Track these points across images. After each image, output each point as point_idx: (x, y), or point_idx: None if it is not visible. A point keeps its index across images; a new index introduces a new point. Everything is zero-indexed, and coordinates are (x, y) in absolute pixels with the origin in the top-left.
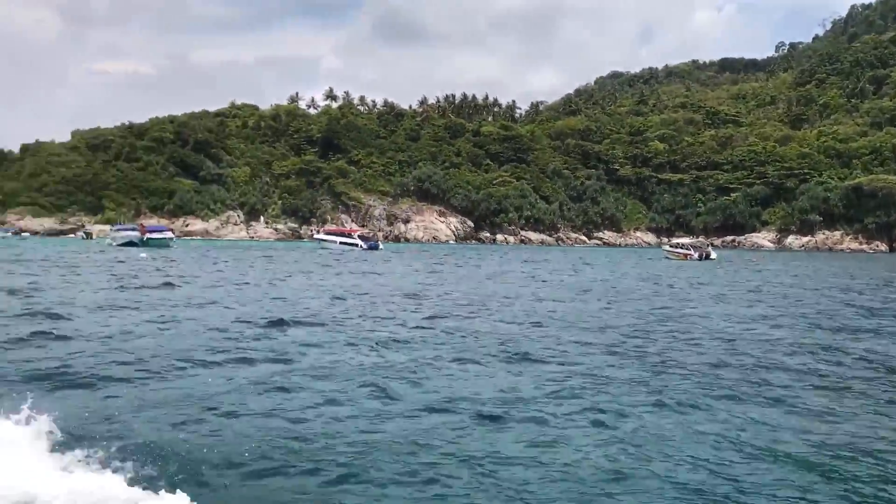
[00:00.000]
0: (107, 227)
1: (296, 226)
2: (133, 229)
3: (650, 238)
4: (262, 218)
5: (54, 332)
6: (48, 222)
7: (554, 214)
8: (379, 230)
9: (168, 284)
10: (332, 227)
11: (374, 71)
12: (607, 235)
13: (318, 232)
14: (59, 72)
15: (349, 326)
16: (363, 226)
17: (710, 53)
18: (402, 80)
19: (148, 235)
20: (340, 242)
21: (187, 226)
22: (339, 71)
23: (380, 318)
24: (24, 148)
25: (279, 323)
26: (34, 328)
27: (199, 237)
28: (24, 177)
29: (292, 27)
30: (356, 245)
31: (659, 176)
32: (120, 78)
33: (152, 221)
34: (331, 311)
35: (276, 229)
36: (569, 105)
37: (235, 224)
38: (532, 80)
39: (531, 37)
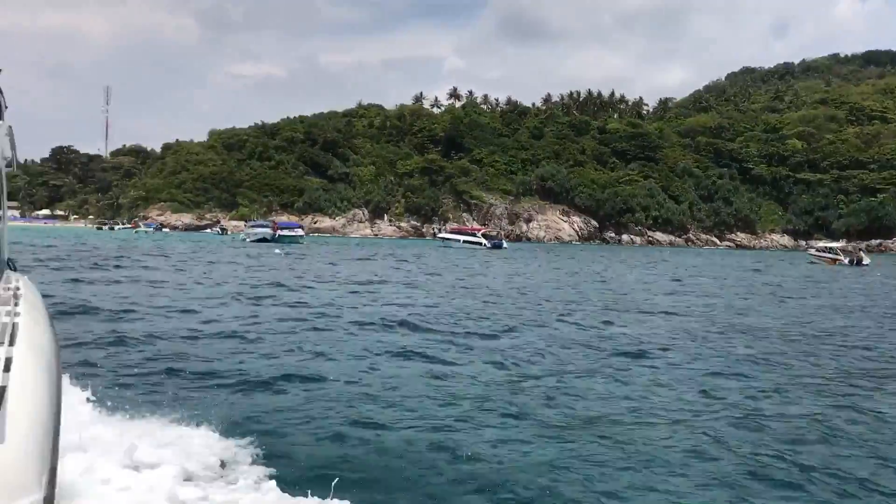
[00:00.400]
0: (240, 224)
1: (418, 224)
2: (265, 226)
3: (786, 241)
4: (385, 216)
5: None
6: (186, 218)
7: (684, 215)
8: (500, 229)
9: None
10: (456, 226)
11: (498, 70)
12: (740, 237)
13: (442, 231)
14: (198, 75)
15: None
16: (484, 224)
17: (851, 47)
18: (525, 78)
19: (280, 232)
20: (464, 241)
21: (315, 223)
22: (463, 70)
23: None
24: (166, 147)
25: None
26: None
27: (326, 234)
28: (165, 174)
29: (416, 28)
30: (480, 244)
31: (797, 175)
32: (254, 80)
33: (283, 218)
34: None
35: (399, 227)
36: (699, 102)
37: (361, 221)
38: (659, 77)
39: (659, 33)
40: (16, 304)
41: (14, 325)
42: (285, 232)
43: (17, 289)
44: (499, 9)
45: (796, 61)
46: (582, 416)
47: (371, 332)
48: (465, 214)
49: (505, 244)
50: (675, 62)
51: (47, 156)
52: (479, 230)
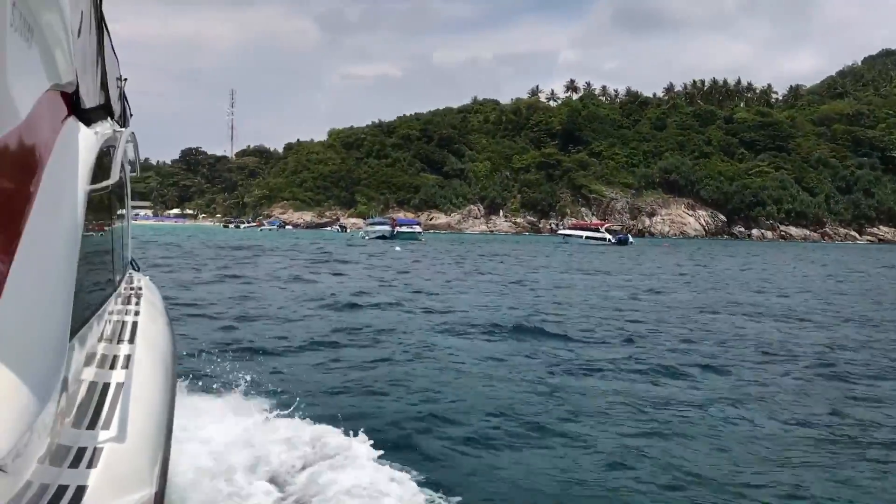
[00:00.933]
0: (359, 221)
1: (534, 219)
2: (384, 223)
3: None
4: (501, 212)
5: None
6: (307, 216)
7: (819, 207)
8: (621, 224)
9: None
10: (577, 222)
11: (614, 61)
12: (883, 231)
13: (561, 227)
14: (316, 77)
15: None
16: (604, 219)
17: None
18: (643, 69)
19: (398, 229)
20: (587, 237)
21: (431, 219)
22: (578, 63)
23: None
24: (288, 147)
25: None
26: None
27: (441, 230)
28: (287, 173)
29: (529, 23)
30: (604, 239)
31: None
32: (370, 80)
33: (400, 215)
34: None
35: (515, 223)
36: (833, 88)
37: (476, 218)
38: (786, 65)
39: (785, 17)
40: (136, 304)
41: (134, 324)
42: (404, 229)
43: (139, 288)
44: None
45: None
46: None
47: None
48: (583, 209)
49: (631, 240)
50: (804, 48)
51: (177, 157)
52: (602, 225)
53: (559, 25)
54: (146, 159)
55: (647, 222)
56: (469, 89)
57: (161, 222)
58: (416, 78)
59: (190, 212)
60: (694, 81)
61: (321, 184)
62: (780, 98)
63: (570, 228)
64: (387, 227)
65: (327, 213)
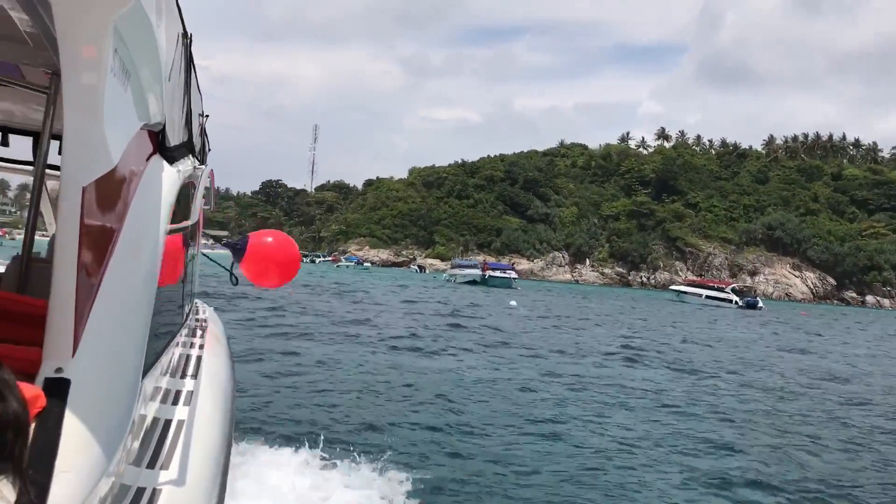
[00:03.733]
0: (437, 262)
1: (623, 271)
2: (474, 266)
3: None
4: (587, 260)
5: None
6: (384, 254)
7: None
8: (720, 281)
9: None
10: (693, 278)
11: (697, 114)
12: None
13: (652, 279)
14: (398, 117)
15: None
16: (700, 276)
17: None
18: (727, 124)
19: (490, 274)
20: (707, 297)
21: (513, 264)
22: (659, 115)
23: None
24: (368, 183)
25: None
26: None
27: (524, 277)
28: (366, 210)
29: (611, 74)
30: (730, 301)
31: None
32: (449, 124)
33: (479, 258)
34: None
35: (602, 273)
36: None
37: (560, 265)
38: (878, 125)
39: (879, 77)
40: (201, 336)
41: (198, 359)
42: (496, 274)
43: (204, 321)
44: (699, 53)
45: None
46: None
47: None
48: (677, 263)
49: (761, 303)
50: None
51: (258, 189)
52: (726, 284)
53: (641, 78)
54: (227, 189)
55: (749, 281)
56: (548, 137)
57: None
58: (496, 123)
59: None
60: (795, 136)
61: (399, 222)
62: (888, 157)
63: (685, 284)
64: (477, 271)
65: (404, 252)
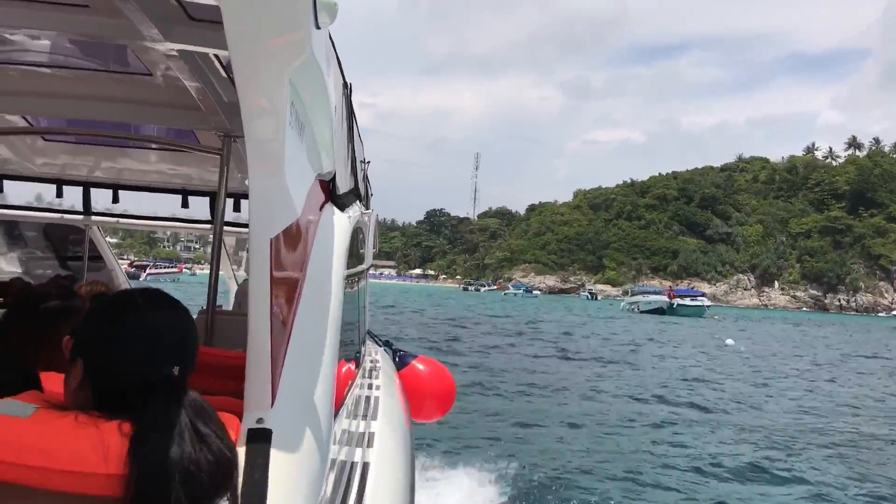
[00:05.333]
0: (608, 287)
1: (818, 293)
2: (658, 292)
3: None
4: (776, 283)
5: None
6: (550, 280)
7: None
8: None
9: None
10: None
11: (882, 123)
12: None
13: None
14: (559, 142)
15: None
16: None
17: None
18: None
19: (678, 301)
20: None
21: (692, 289)
22: (840, 125)
23: None
24: (531, 208)
25: None
26: None
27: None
28: (530, 235)
29: (783, 84)
30: None
31: None
32: (611, 146)
33: (654, 283)
34: None
35: (794, 297)
36: None
37: (745, 289)
38: None
39: None
40: (376, 377)
41: (376, 399)
42: (686, 301)
43: (376, 361)
44: (883, 57)
45: None
46: None
47: None
48: (882, 283)
49: None
50: None
51: (422, 218)
52: None
53: (817, 87)
54: (392, 220)
55: None
56: (719, 154)
57: (403, 282)
58: (661, 143)
59: (431, 272)
60: None
61: (565, 246)
62: None
63: None
64: (663, 298)
65: (571, 278)
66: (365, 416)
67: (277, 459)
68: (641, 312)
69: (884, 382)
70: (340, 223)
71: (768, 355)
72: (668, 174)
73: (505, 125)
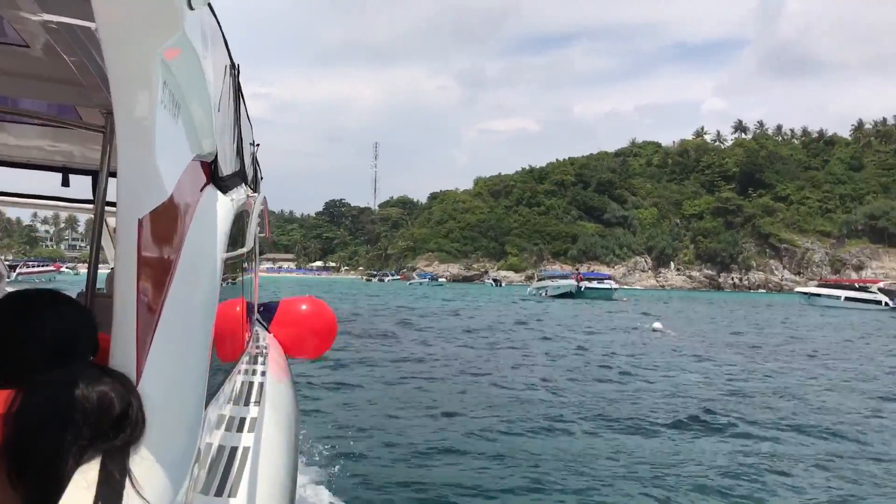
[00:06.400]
0: (511, 274)
1: (713, 273)
2: (565, 276)
3: None
4: (672, 264)
5: None
6: (454, 268)
7: None
8: (820, 278)
9: None
10: (827, 278)
11: (761, 108)
12: None
13: (745, 280)
14: (455, 132)
15: None
16: (798, 273)
17: None
18: (792, 117)
19: (586, 284)
20: (847, 298)
21: (592, 272)
22: (722, 111)
23: None
24: (433, 196)
25: None
26: None
27: None
28: (432, 224)
29: (669, 73)
30: (878, 302)
31: None
32: (508, 134)
33: (556, 267)
34: None
35: (690, 276)
36: None
37: (643, 271)
38: None
39: None
40: (262, 363)
41: (260, 385)
42: (593, 284)
43: (265, 347)
44: (760, 46)
45: None
46: None
47: None
48: (772, 261)
49: None
50: None
51: (321, 210)
52: (873, 283)
53: (701, 76)
54: (290, 212)
55: (854, 276)
56: (611, 141)
57: (304, 275)
58: (556, 130)
59: (332, 264)
60: (884, 119)
61: (468, 234)
62: None
63: (819, 286)
64: (571, 282)
65: (475, 266)
66: (248, 402)
67: (138, 445)
68: (550, 297)
69: (838, 353)
70: (222, 206)
71: (698, 339)
72: (565, 160)
73: (403, 114)
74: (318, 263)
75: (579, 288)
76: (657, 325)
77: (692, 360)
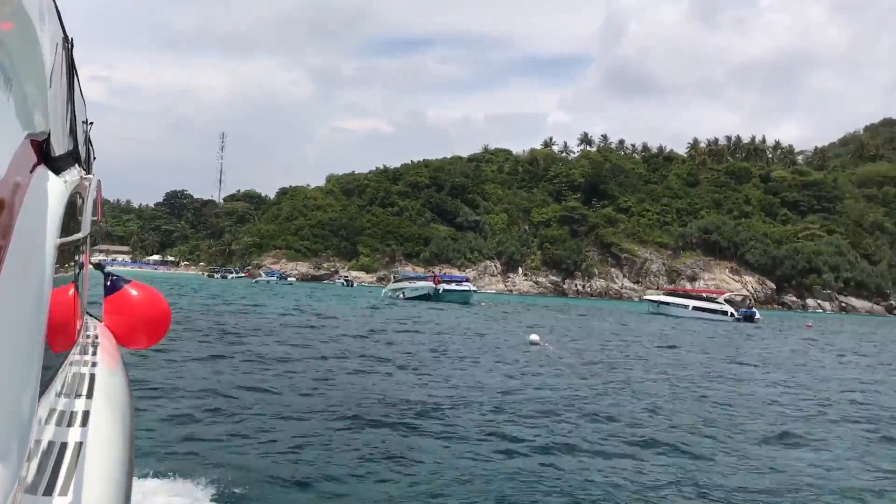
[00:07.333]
0: (362, 274)
1: (557, 279)
2: (423, 278)
3: None
4: (520, 269)
5: None
6: (303, 267)
7: (882, 277)
8: (657, 287)
9: None
10: (675, 287)
11: (603, 125)
12: None
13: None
14: (308, 128)
15: None
16: (637, 281)
17: None
18: (631, 133)
19: (444, 287)
20: (694, 308)
21: (457, 275)
22: (567, 125)
23: None
24: (282, 192)
25: None
26: None
27: None
28: (281, 220)
29: (518, 85)
30: (724, 313)
31: None
32: (360, 135)
33: (408, 269)
34: None
35: (536, 282)
36: (863, 150)
37: (492, 275)
38: (774, 133)
39: (773, 88)
40: (94, 354)
41: (92, 377)
42: (452, 286)
43: (96, 337)
44: (603, 64)
45: None
46: None
47: None
48: (613, 270)
49: (758, 314)
50: (790, 119)
51: (161, 200)
52: (720, 294)
53: (549, 89)
54: (128, 201)
55: (688, 287)
56: (462, 148)
57: (140, 269)
58: (408, 134)
59: (171, 259)
60: (716, 139)
61: (318, 232)
62: (806, 160)
63: (664, 295)
64: (430, 285)
65: (325, 265)
66: (80, 395)
67: None
68: (407, 299)
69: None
70: (55, 188)
71: (583, 354)
72: (419, 162)
73: (253, 107)
74: (156, 257)
75: (437, 290)
76: (534, 337)
77: (599, 382)
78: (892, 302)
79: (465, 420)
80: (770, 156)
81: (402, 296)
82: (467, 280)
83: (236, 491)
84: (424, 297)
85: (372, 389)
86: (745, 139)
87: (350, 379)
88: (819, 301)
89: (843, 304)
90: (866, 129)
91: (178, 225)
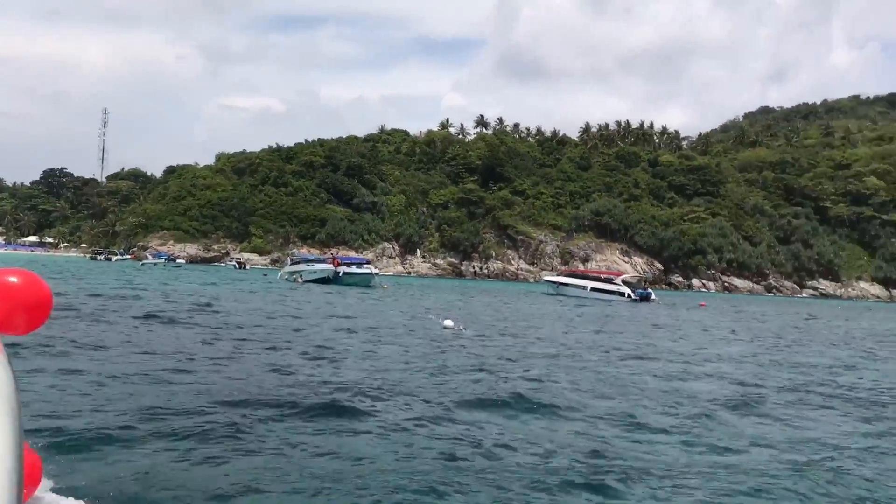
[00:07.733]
0: (255, 256)
1: (456, 261)
2: (320, 260)
3: (877, 290)
4: (418, 251)
5: None
6: (192, 248)
7: (762, 258)
8: (552, 269)
9: None
10: (571, 268)
11: (497, 108)
12: (823, 285)
13: (485, 269)
14: (196, 105)
15: None
16: (532, 263)
17: (844, 91)
18: (525, 117)
19: (344, 270)
20: (592, 289)
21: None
22: (461, 108)
23: None
24: (170, 170)
25: None
26: None
27: None
28: (168, 200)
29: (414, 66)
30: (622, 294)
31: (882, 217)
32: (251, 113)
33: (304, 251)
34: None
35: (434, 264)
36: (744, 136)
37: (391, 257)
38: (660, 119)
39: (660, 75)
40: None
41: None
42: (352, 269)
43: None
44: (497, 48)
45: (788, 105)
46: None
47: None
48: (509, 252)
49: (653, 295)
50: (674, 105)
51: (38, 179)
52: (616, 275)
53: (443, 71)
54: (1, 180)
55: (581, 268)
56: (357, 128)
57: (14, 251)
58: (301, 113)
59: (50, 240)
60: (607, 124)
61: (208, 213)
62: (690, 144)
63: (563, 276)
64: (329, 267)
65: (215, 247)
66: None
67: None
68: (305, 282)
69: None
70: None
71: (502, 337)
72: (314, 141)
73: (138, 82)
74: (33, 238)
75: (337, 273)
76: (448, 322)
77: (516, 365)
78: (770, 282)
79: (390, 409)
80: (657, 141)
81: (299, 279)
82: (368, 262)
83: None
84: (323, 281)
85: (286, 381)
86: (634, 124)
87: (258, 368)
88: (704, 281)
89: (727, 284)
90: (745, 116)
91: (58, 204)
